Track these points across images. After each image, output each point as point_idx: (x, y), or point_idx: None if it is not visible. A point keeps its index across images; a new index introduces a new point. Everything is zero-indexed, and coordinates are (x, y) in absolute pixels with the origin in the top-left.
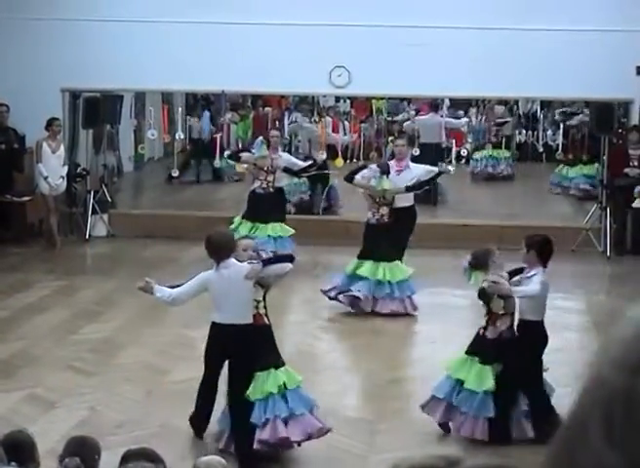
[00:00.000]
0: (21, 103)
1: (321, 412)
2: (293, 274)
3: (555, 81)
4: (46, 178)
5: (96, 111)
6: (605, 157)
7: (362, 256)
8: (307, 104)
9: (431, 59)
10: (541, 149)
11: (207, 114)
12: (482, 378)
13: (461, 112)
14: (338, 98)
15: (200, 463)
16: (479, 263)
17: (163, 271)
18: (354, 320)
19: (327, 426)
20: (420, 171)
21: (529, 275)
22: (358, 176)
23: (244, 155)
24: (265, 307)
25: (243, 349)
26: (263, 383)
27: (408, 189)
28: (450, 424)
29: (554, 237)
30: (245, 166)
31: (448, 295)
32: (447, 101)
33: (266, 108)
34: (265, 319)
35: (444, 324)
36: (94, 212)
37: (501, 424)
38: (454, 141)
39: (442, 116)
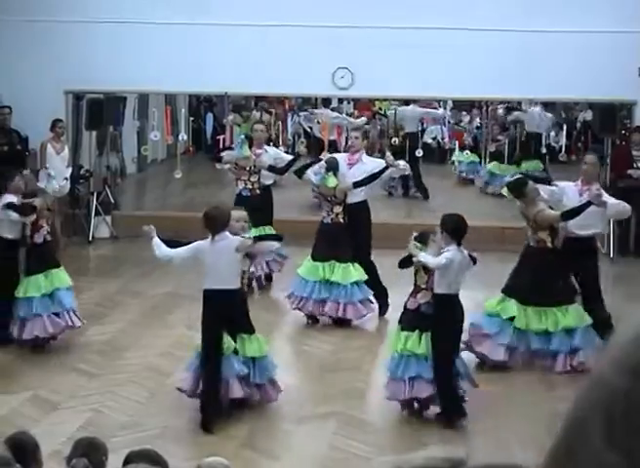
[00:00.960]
0: (25, 105)
1: (323, 414)
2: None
3: (558, 82)
4: (53, 178)
5: (99, 113)
6: (608, 158)
7: (316, 257)
8: (310, 105)
9: (434, 61)
10: (544, 151)
11: (210, 116)
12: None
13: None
14: (340, 100)
15: (203, 464)
16: (422, 240)
17: (166, 272)
18: (358, 321)
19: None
20: (374, 165)
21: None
22: (309, 171)
23: (226, 154)
24: (249, 278)
25: (233, 311)
26: (249, 345)
27: (355, 185)
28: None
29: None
30: (227, 166)
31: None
32: (450, 103)
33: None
34: (246, 288)
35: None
36: (97, 213)
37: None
38: (457, 143)
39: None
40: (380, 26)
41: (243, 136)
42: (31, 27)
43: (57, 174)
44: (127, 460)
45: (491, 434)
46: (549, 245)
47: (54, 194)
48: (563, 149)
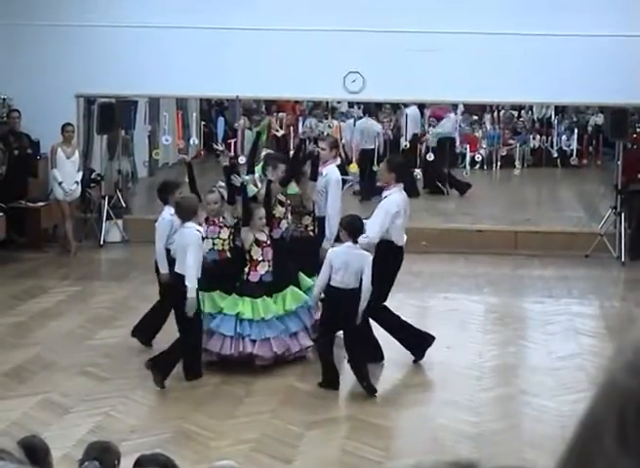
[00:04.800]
0: (36, 109)
1: (335, 418)
2: None
3: (570, 86)
4: (60, 184)
5: (110, 117)
6: (619, 162)
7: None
8: (321, 109)
9: (445, 65)
10: (556, 154)
11: (221, 120)
12: (258, 309)
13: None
14: (351, 104)
15: None
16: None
17: None
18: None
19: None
20: (331, 177)
21: (385, 196)
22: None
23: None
24: (230, 244)
25: (179, 302)
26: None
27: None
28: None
29: (569, 242)
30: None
31: (462, 301)
32: (461, 107)
33: (280, 114)
34: (228, 253)
35: (459, 329)
36: (108, 217)
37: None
38: (468, 147)
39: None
40: (391, 30)
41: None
42: (42, 32)
43: (67, 178)
44: (137, 464)
45: (502, 437)
46: None
47: (63, 198)
48: (574, 153)
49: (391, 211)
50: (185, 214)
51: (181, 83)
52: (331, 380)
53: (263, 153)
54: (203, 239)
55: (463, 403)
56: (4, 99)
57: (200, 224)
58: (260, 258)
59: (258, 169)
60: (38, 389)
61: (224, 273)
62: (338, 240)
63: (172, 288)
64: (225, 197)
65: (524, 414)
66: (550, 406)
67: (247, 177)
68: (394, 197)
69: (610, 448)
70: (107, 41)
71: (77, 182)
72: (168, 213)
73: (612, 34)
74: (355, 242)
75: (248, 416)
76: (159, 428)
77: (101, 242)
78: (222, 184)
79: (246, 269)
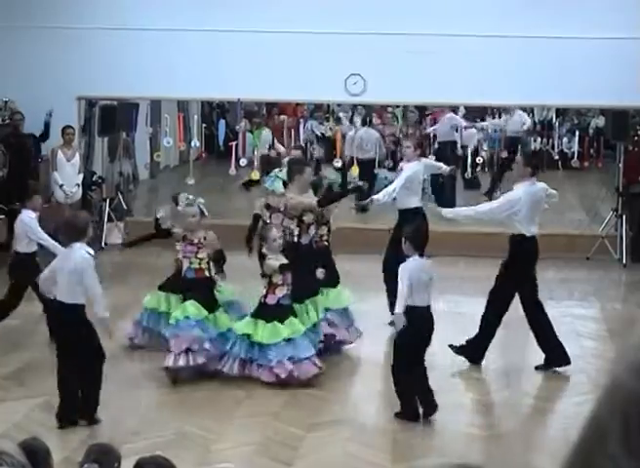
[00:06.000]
0: (38, 111)
1: (337, 420)
2: None
3: (571, 88)
4: (61, 187)
5: (111, 119)
6: (620, 164)
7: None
8: (322, 112)
9: (447, 67)
10: (557, 157)
11: (222, 122)
12: (273, 333)
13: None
14: (353, 106)
15: None
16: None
17: None
18: (373, 328)
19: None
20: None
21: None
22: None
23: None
24: (208, 263)
25: (64, 327)
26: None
27: (319, 203)
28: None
29: (570, 245)
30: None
31: (465, 304)
32: (462, 109)
33: (282, 116)
34: (207, 272)
35: (462, 332)
36: (109, 219)
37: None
38: (469, 149)
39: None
40: (392, 33)
41: (276, 171)
42: (43, 34)
43: (68, 180)
44: (137, 466)
45: (506, 439)
46: None
47: (64, 201)
48: (575, 155)
49: (517, 202)
50: (74, 232)
51: (183, 85)
52: (413, 414)
53: (287, 158)
54: (182, 258)
55: (467, 405)
56: (6, 102)
57: (88, 244)
58: (280, 282)
59: (282, 174)
60: (39, 392)
61: (202, 291)
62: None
63: (59, 320)
64: (205, 213)
65: (527, 417)
66: (553, 408)
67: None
68: (524, 190)
69: (614, 450)
70: (109, 43)
71: (78, 185)
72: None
73: (613, 37)
74: (421, 255)
75: (248, 419)
76: (159, 430)
77: (103, 244)
78: (202, 201)
79: (263, 291)
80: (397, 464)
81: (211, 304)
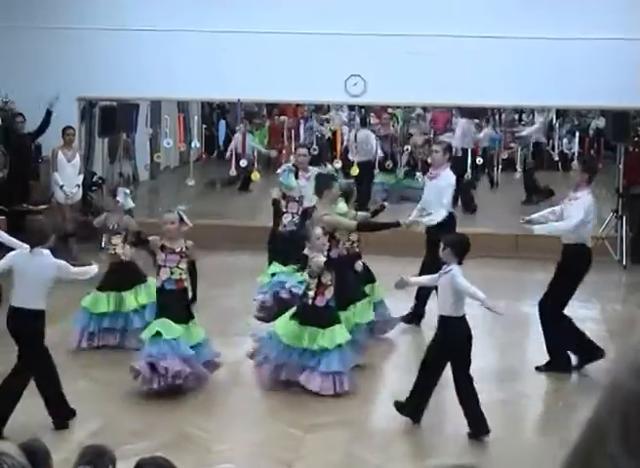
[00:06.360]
0: (38, 112)
1: (337, 421)
2: None
3: (570, 89)
4: (61, 187)
5: (112, 120)
6: (621, 165)
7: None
8: (322, 113)
9: (446, 68)
10: (557, 158)
11: (223, 123)
12: (331, 339)
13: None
14: (352, 107)
15: None
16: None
17: None
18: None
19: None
20: (446, 181)
21: (446, 270)
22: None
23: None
24: (187, 273)
25: (27, 332)
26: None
27: (359, 228)
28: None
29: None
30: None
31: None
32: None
33: (282, 117)
34: (185, 283)
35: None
36: None
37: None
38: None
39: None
40: (392, 34)
41: (289, 165)
42: (44, 35)
43: (68, 181)
44: (137, 467)
45: (504, 441)
46: None
47: (64, 202)
48: (576, 156)
49: (590, 211)
50: (37, 237)
51: (183, 86)
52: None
53: (314, 172)
54: (162, 267)
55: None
56: (5, 102)
57: (51, 250)
58: (329, 283)
59: (311, 187)
60: (39, 392)
61: (179, 302)
62: None
63: (20, 327)
64: (185, 220)
65: (526, 418)
66: (552, 409)
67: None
68: (589, 198)
69: (612, 449)
70: (109, 44)
71: (78, 185)
72: None
73: (613, 37)
74: (460, 263)
75: (249, 420)
76: (160, 432)
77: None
78: (183, 208)
79: (311, 293)
80: (397, 465)
81: (187, 316)
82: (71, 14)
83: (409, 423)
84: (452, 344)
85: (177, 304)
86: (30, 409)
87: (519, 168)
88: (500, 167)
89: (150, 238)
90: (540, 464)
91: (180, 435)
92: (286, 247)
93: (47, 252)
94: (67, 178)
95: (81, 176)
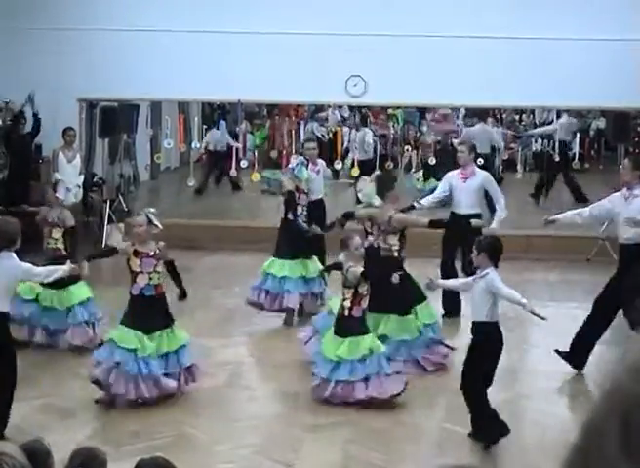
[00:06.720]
0: (38, 113)
1: (338, 422)
2: None
3: (572, 90)
4: (67, 189)
5: (112, 121)
6: (621, 165)
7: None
8: (323, 113)
9: (446, 69)
10: (558, 158)
11: (223, 123)
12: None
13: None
14: (352, 108)
15: None
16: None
17: None
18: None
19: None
20: (483, 178)
21: (482, 274)
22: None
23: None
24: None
25: None
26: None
27: (432, 224)
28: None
29: (571, 247)
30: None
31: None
32: (462, 111)
33: (282, 117)
34: (163, 288)
35: (463, 333)
36: (110, 221)
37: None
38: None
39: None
40: (393, 34)
41: (301, 158)
42: (44, 36)
43: (68, 181)
44: None
45: (504, 442)
46: None
47: (65, 202)
48: (576, 157)
49: None
50: (3, 240)
51: (184, 87)
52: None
53: (376, 174)
54: (138, 274)
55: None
56: (6, 103)
57: (16, 252)
58: (366, 293)
59: (371, 189)
60: (39, 393)
61: (160, 308)
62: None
63: None
64: (155, 222)
65: (526, 419)
66: (552, 410)
67: None
68: None
69: (612, 453)
70: (109, 45)
71: (78, 186)
72: None
73: (614, 38)
74: (496, 266)
75: (249, 420)
76: (160, 432)
77: (103, 245)
78: (153, 210)
79: (347, 304)
80: (397, 465)
81: (167, 322)
82: (72, 15)
83: (410, 424)
84: (491, 349)
85: (157, 311)
86: (29, 409)
87: (561, 174)
88: (501, 167)
89: (119, 247)
90: (541, 464)
91: (179, 435)
92: (297, 238)
93: (12, 254)
94: (68, 179)
95: (81, 177)
